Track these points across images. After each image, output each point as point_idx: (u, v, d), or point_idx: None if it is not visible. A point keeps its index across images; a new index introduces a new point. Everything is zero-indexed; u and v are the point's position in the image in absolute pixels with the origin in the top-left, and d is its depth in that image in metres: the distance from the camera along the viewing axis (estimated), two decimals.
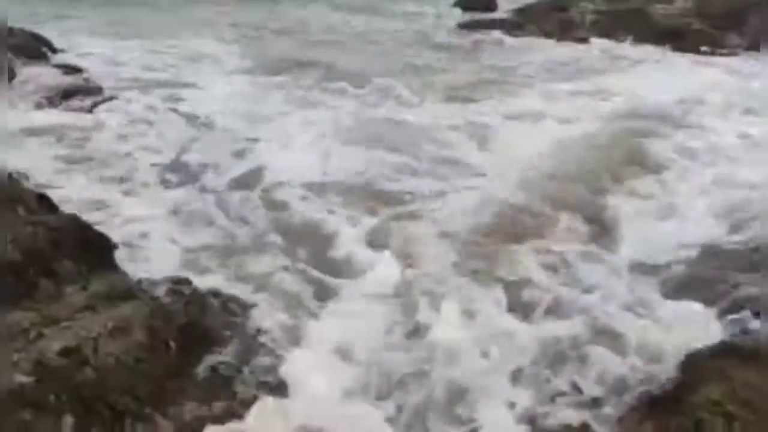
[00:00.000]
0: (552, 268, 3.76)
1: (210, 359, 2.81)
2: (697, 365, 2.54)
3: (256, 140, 6.08)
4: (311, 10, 16.71)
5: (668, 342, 2.92)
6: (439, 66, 10.55)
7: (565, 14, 16.00)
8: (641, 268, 3.78)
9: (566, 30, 15.37)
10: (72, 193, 4.50)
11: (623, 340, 3.01)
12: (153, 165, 5.45)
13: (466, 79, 9.36)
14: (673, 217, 4.50)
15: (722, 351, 2.60)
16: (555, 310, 3.33)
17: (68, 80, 8.62)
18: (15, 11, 11.53)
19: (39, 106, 7.35)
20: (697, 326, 3.03)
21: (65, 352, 2.15)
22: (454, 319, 3.13)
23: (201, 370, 2.72)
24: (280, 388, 2.71)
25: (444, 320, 3.11)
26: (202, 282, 3.35)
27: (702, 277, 3.61)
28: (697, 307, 3.22)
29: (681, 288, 3.53)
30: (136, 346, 2.51)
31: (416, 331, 3.13)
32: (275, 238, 4.14)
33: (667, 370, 2.69)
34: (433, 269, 3.74)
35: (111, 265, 3.20)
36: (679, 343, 2.85)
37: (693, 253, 3.89)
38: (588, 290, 3.52)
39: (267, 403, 2.56)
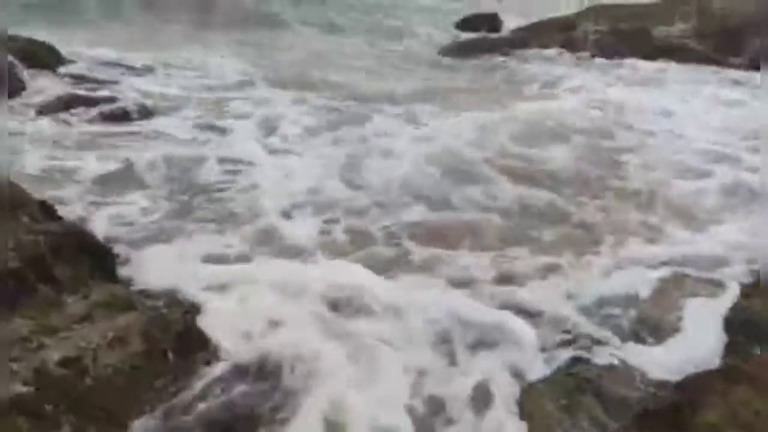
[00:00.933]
0: None
1: (207, 368, 2.81)
2: (696, 386, 2.54)
3: None
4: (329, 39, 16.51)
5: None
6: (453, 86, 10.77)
7: (570, 33, 16.21)
8: None
9: (570, 48, 15.57)
10: None
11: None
12: None
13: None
14: None
15: (722, 372, 2.59)
16: None
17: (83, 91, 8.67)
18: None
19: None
20: None
21: (65, 362, 2.15)
22: None
23: (197, 379, 2.71)
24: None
25: None
26: None
27: None
28: None
29: None
30: (134, 355, 2.51)
31: None
32: None
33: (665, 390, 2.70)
34: None
35: (111, 274, 3.21)
36: None
37: None
38: None
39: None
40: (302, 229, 4.40)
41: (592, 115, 8.13)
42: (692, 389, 2.51)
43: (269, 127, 7.00)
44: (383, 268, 3.85)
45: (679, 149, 6.83)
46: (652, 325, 3.30)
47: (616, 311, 3.43)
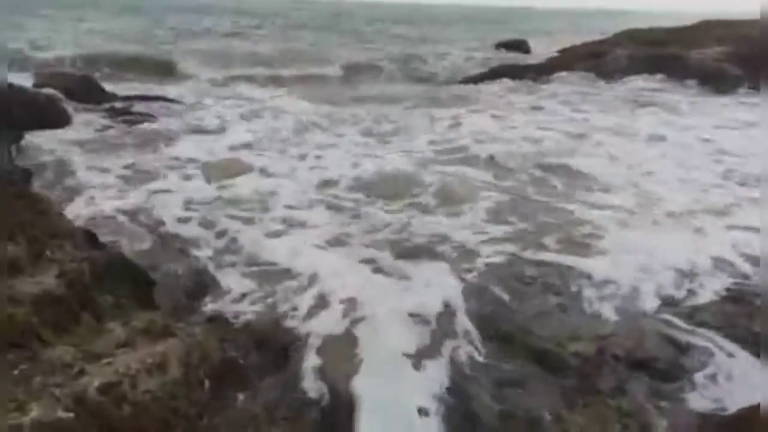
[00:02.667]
0: None
1: (243, 398, 2.81)
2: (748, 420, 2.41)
3: None
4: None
5: None
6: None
7: (600, 60, 16.10)
8: None
9: (600, 73, 15.43)
10: None
11: None
12: None
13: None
14: None
15: None
16: None
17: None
18: None
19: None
20: None
21: (104, 389, 2.16)
22: None
23: (234, 409, 2.71)
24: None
25: None
26: None
27: None
28: None
29: None
30: (171, 383, 2.52)
31: None
32: None
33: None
34: None
35: (150, 300, 3.26)
36: None
37: None
38: None
39: None
40: None
41: None
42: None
43: None
44: None
45: None
46: None
47: None
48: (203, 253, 4.64)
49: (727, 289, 4.09)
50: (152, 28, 27.90)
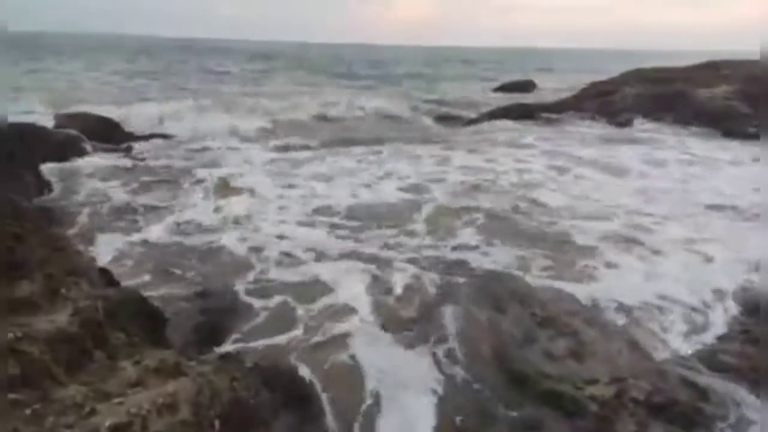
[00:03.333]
0: None
1: None
2: None
3: None
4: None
5: None
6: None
7: (608, 98, 16.27)
8: None
9: (607, 112, 15.55)
10: None
11: None
12: None
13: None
14: None
15: None
16: None
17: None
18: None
19: None
20: None
21: (115, 430, 2.14)
22: None
23: None
24: None
25: None
26: None
27: None
28: None
29: None
30: (181, 424, 2.48)
31: None
32: None
33: None
34: None
35: (162, 338, 3.25)
36: None
37: None
38: None
39: None
40: None
41: None
42: None
43: None
44: None
45: None
46: None
47: None
48: None
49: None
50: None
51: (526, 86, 26.24)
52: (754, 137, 12.48)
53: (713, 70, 17.68)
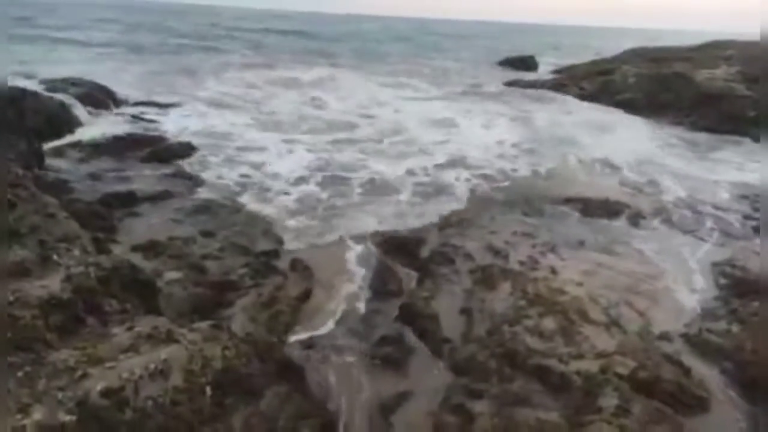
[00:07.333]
0: None
1: (244, 408, 2.79)
2: None
3: None
4: None
5: None
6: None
7: (607, 77, 16.12)
8: None
9: (605, 92, 15.42)
10: None
11: None
12: None
13: None
14: None
15: None
16: None
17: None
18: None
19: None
20: None
21: (107, 393, 2.17)
22: None
23: (235, 418, 2.70)
24: None
25: None
26: None
27: None
28: None
29: None
30: (173, 389, 2.52)
31: None
32: None
33: None
34: None
35: (155, 306, 3.28)
36: None
37: None
38: None
39: None
40: None
41: None
42: None
43: None
44: None
45: None
46: None
47: None
48: None
49: None
50: None
51: (528, 62, 26.11)
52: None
53: (714, 50, 17.46)
